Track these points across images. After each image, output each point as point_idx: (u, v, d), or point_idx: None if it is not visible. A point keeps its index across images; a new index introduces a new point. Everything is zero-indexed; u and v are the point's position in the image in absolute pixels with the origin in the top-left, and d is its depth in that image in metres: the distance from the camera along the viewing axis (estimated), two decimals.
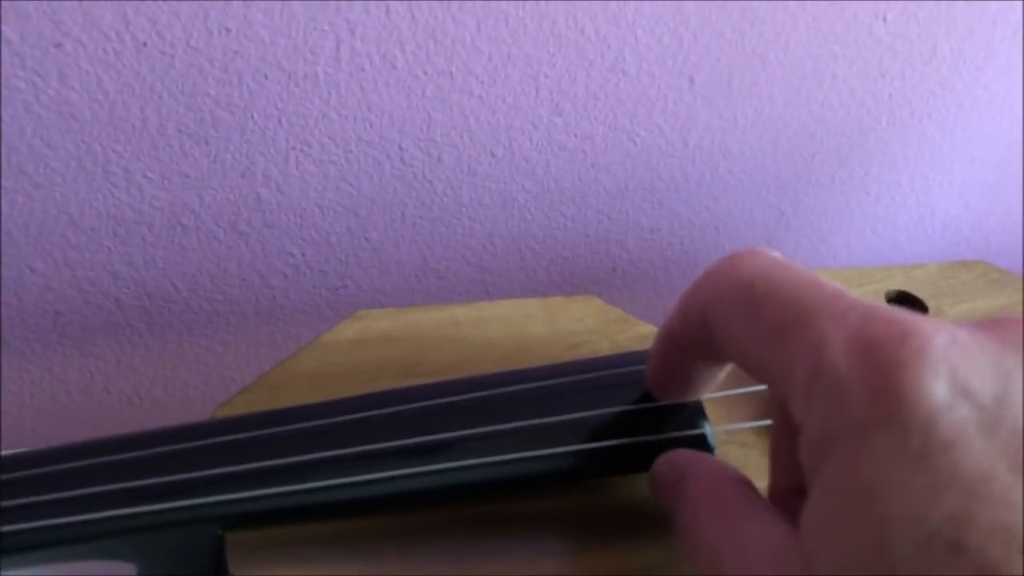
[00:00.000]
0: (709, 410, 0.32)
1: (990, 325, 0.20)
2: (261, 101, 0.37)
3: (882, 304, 0.20)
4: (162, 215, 0.39)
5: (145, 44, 0.34)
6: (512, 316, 0.39)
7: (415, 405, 0.31)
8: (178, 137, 0.37)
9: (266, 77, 0.36)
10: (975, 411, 0.18)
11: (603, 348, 0.38)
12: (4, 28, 0.32)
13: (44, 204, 0.37)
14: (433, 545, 0.29)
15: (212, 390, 0.46)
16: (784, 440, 0.26)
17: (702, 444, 0.31)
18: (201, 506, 0.28)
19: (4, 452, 0.29)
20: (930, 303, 0.45)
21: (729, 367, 0.29)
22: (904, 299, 0.46)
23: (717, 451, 0.32)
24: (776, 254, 0.23)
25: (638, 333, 0.39)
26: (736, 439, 0.35)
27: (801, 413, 0.20)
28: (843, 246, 0.56)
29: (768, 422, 0.36)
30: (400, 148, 0.41)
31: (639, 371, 0.33)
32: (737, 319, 0.22)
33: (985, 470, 0.17)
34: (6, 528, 0.27)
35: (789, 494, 0.25)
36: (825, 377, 0.19)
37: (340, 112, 0.39)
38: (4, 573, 0.28)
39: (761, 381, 0.23)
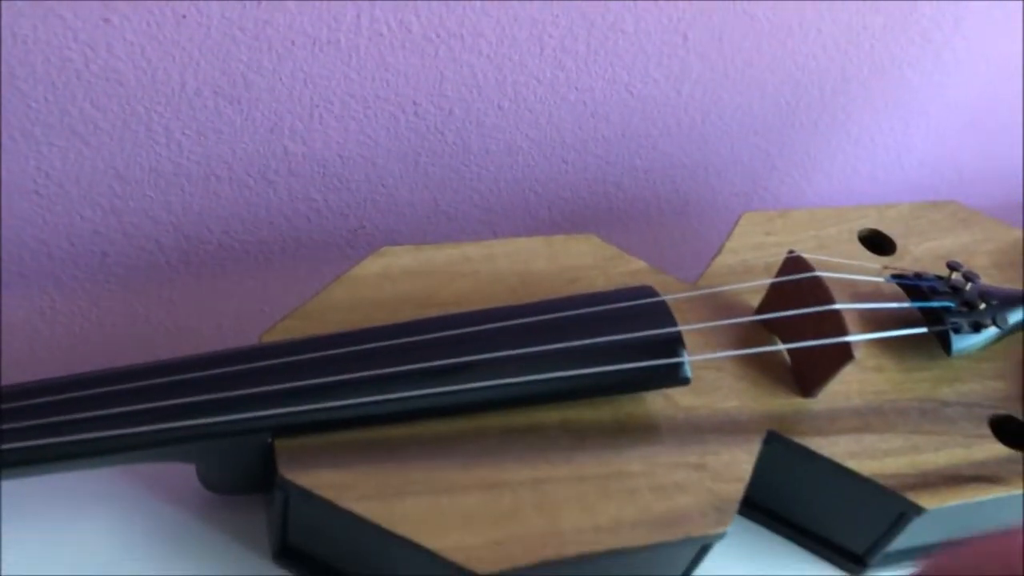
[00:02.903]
0: (689, 340, 0.37)
1: None
2: (288, 64, 0.40)
3: None
4: (198, 167, 0.43)
5: (184, 17, 0.37)
6: (518, 253, 0.43)
7: (436, 335, 0.35)
8: (213, 98, 0.40)
9: (293, 43, 0.39)
10: None
11: (599, 283, 0.42)
12: (58, 6, 0.35)
13: (93, 160, 0.40)
14: (453, 449, 0.34)
15: (242, 321, 0.51)
16: None
17: (678, 370, 0.36)
18: (252, 419, 0.32)
19: (81, 372, 0.33)
20: (899, 241, 0.49)
21: None
22: (875, 237, 0.50)
23: (693, 376, 0.37)
24: None
25: (630, 269, 0.43)
26: (712, 365, 0.40)
27: None
28: (825, 184, 0.59)
29: (743, 351, 0.40)
30: (414, 103, 0.44)
31: (628, 307, 0.37)
32: None
33: None
34: (91, 435, 0.31)
35: None
36: None
37: (360, 72, 0.42)
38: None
39: None
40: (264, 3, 0.38)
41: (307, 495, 0.32)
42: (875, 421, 0.40)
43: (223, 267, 0.48)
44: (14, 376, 0.33)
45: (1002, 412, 0.42)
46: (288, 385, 0.33)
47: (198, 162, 0.42)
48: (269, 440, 0.33)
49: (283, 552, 0.36)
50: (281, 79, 0.41)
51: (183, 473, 0.36)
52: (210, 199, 0.44)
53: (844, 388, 0.40)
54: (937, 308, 0.42)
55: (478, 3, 0.41)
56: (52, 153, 0.39)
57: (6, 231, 0.41)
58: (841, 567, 0.42)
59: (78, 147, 0.40)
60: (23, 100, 0.37)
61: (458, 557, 0.31)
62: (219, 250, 0.47)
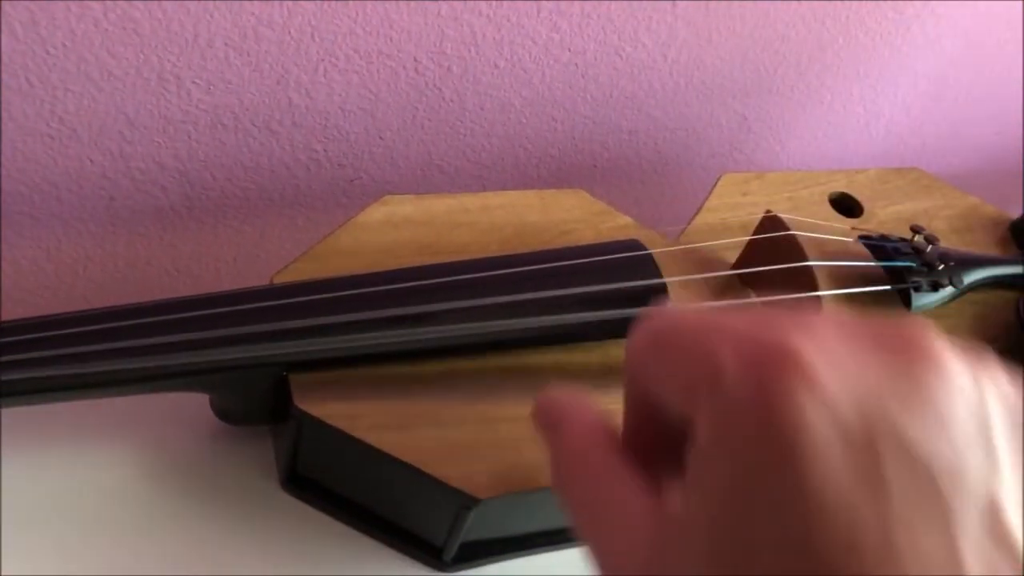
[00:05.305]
0: (672, 291, 0.40)
1: (874, 338, 0.21)
2: (297, 19, 0.42)
3: (765, 314, 0.22)
4: (206, 116, 0.44)
5: None
6: (513, 205, 0.45)
7: (438, 280, 0.38)
8: (224, 50, 0.42)
9: None
10: (836, 429, 0.19)
11: (588, 236, 0.45)
12: None
13: (106, 105, 0.42)
14: (454, 386, 0.37)
15: (240, 265, 0.53)
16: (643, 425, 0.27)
17: None
18: (270, 353, 0.35)
19: (111, 305, 0.35)
20: (866, 204, 0.53)
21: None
22: (845, 200, 0.53)
23: None
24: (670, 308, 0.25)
25: (618, 223, 0.46)
26: None
27: (695, 423, 0.22)
28: (798, 148, 0.62)
29: (721, 303, 0.43)
30: (415, 60, 0.46)
31: (617, 258, 0.40)
32: (653, 369, 0.24)
33: (836, 483, 0.19)
34: (117, 365, 0.33)
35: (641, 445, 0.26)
36: (721, 399, 0.21)
37: (365, 28, 0.43)
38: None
39: (676, 414, 0.23)
40: None
41: (320, 425, 0.35)
42: None
43: (224, 213, 0.50)
44: (18, 313, 0.34)
45: None
46: (303, 323, 0.35)
47: (206, 111, 0.44)
48: (284, 374, 0.35)
49: (291, 479, 0.39)
50: (290, 33, 0.42)
51: (194, 404, 0.38)
52: (215, 147, 0.46)
53: None
54: (900, 267, 0.45)
55: None
56: (67, 98, 0.41)
57: (18, 172, 0.43)
58: None
59: (92, 93, 0.41)
60: (43, 46, 0.38)
61: (460, 483, 0.34)
62: (221, 197, 0.49)
